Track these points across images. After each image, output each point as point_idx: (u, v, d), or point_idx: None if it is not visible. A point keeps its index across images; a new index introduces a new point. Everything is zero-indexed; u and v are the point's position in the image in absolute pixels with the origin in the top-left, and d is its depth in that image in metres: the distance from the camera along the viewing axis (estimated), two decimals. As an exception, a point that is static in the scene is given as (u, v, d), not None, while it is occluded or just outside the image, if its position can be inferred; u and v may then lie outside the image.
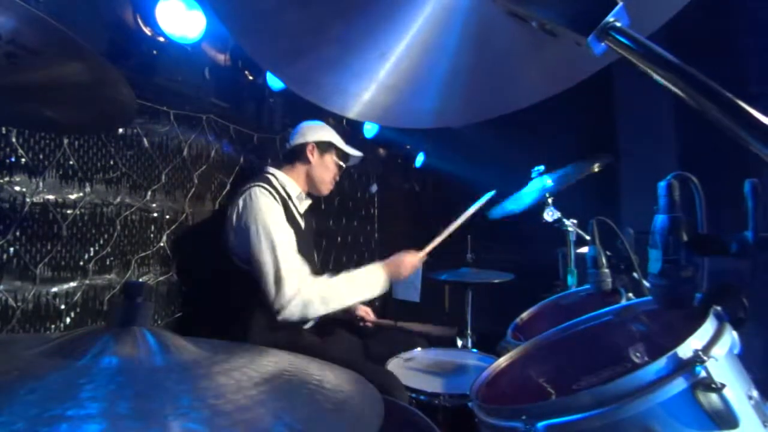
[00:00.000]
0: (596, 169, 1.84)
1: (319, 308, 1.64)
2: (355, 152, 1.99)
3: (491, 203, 2.04)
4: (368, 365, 1.59)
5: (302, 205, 1.93)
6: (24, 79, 0.77)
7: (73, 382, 0.42)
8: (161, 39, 1.65)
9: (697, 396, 0.60)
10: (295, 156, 1.91)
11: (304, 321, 1.71)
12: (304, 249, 1.89)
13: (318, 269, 2.02)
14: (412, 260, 1.85)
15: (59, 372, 0.44)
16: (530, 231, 2.03)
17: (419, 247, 1.94)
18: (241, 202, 1.70)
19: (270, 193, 1.72)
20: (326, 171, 1.93)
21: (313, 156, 1.89)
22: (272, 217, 1.67)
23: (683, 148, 2.26)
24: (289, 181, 1.88)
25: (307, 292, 1.62)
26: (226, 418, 0.41)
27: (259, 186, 1.72)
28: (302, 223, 1.91)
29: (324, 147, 1.91)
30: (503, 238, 2.58)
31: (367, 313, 2.02)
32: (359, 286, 1.74)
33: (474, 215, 2.00)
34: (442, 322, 2.63)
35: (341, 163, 1.97)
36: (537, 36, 0.40)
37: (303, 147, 1.89)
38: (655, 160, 2.32)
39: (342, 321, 2.01)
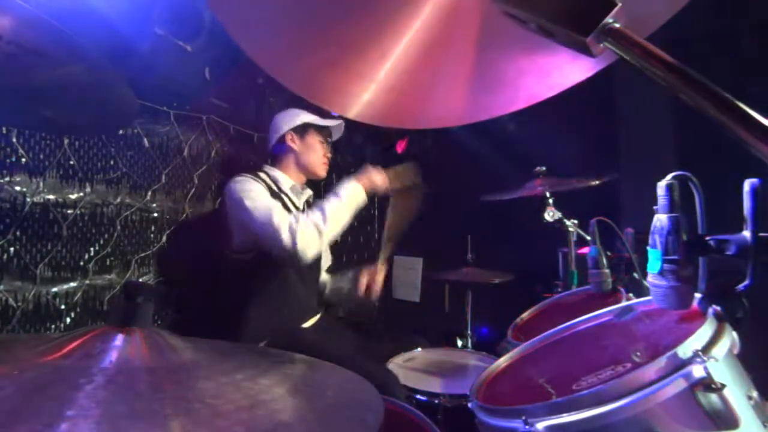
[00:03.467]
0: (596, 182, 1.85)
1: (323, 233, 1.60)
2: (332, 122, 1.93)
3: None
4: (368, 364, 1.59)
5: (300, 198, 1.92)
6: (24, 80, 0.78)
7: (73, 382, 0.42)
8: (161, 39, 1.66)
9: (696, 396, 0.60)
10: (279, 151, 1.90)
11: (315, 313, 1.66)
12: None
13: (319, 260, 2.01)
14: (373, 172, 1.81)
15: (59, 372, 0.44)
16: (530, 231, 2.03)
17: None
18: (225, 195, 1.72)
19: (251, 178, 1.72)
20: (313, 153, 1.90)
21: (295, 143, 1.88)
22: (251, 192, 1.65)
23: (683, 148, 2.26)
24: (280, 174, 1.88)
25: (305, 224, 1.59)
26: (226, 418, 0.41)
27: (239, 175, 1.72)
28: None
29: (302, 130, 1.89)
30: (503, 238, 2.58)
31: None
32: (347, 202, 1.70)
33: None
34: (441, 323, 2.64)
35: (325, 138, 1.93)
36: (536, 37, 0.40)
37: (282, 139, 1.88)
38: (655, 161, 2.32)
39: (342, 319, 2.01)
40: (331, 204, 1.66)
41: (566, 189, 1.85)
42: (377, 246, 3.25)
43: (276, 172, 1.88)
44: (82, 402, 0.39)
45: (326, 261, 2.11)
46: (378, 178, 1.80)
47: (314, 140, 1.90)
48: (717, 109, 0.32)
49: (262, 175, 1.82)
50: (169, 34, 1.67)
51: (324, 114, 1.92)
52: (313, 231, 1.59)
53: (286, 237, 1.56)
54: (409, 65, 0.57)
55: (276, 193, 1.80)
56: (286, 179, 1.88)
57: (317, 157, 1.91)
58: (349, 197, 1.71)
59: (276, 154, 1.92)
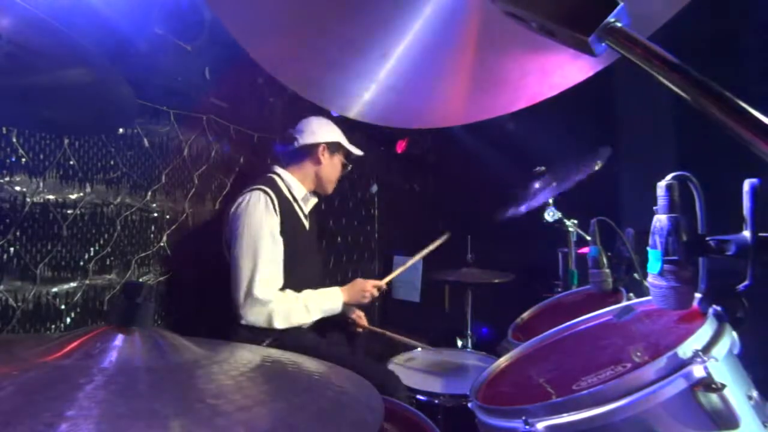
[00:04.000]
0: (598, 167, 1.84)
1: (282, 322, 1.65)
2: (358, 151, 1.98)
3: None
4: (369, 364, 1.59)
5: (308, 205, 1.93)
6: (25, 80, 0.77)
7: (73, 382, 0.42)
8: (161, 39, 1.65)
9: (697, 396, 0.60)
10: (304, 155, 1.89)
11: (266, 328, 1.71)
12: (309, 248, 1.89)
13: (321, 269, 2.02)
14: (366, 287, 1.87)
15: (59, 372, 0.44)
16: (530, 231, 2.03)
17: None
18: (240, 201, 1.71)
19: (270, 199, 1.71)
20: (334, 171, 1.93)
21: (324, 157, 1.88)
22: (264, 227, 1.67)
23: (683, 148, 2.26)
24: (296, 182, 1.88)
25: (274, 304, 1.64)
26: (226, 418, 0.41)
27: (260, 190, 1.71)
28: (307, 224, 1.90)
29: (334, 148, 1.91)
30: (503, 238, 2.58)
31: (360, 318, 2.02)
32: (320, 306, 1.76)
33: (430, 253, 2.14)
34: (441, 323, 2.64)
35: (347, 163, 1.97)
36: (537, 36, 0.40)
37: (314, 147, 1.87)
38: (655, 160, 2.32)
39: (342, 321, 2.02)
40: (308, 305, 1.72)
41: (567, 187, 1.85)
42: (376, 246, 3.25)
43: (290, 178, 1.87)
44: (82, 402, 0.39)
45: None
46: (367, 291, 1.85)
47: (339, 161, 1.93)
48: (718, 109, 0.32)
49: (277, 180, 1.82)
50: (169, 34, 1.67)
51: (351, 140, 1.97)
52: (263, 323, 1.64)
53: (242, 309, 1.62)
54: (410, 65, 0.57)
55: (289, 201, 1.81)
56: (299, 187, 1.89)
57: (335, 176, 1.94)
58: (327, 307, 1.78)
59: (295, 156, 1.90)
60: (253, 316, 1.62)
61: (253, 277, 1.62)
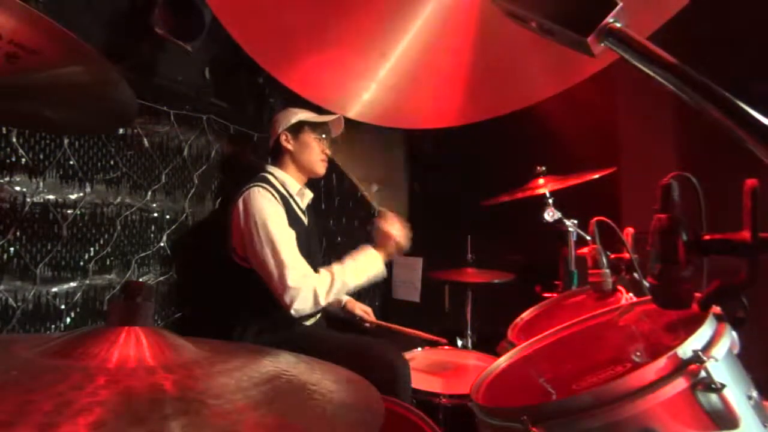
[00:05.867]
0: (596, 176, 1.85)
1: (328, 296, 1.66)
2: (329, 117, 1.90)
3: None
4: (372, 355, 1.58)
5: (304, 200, 1.93)
6: (24, 79, 0.77)
7: (73, 382, 0.42)
8: (161, 39, 1.65)
9: (696, 396, 0.60)
10: (279, 151, 1.90)
11: (316, 312, 1.72)
12: (310, 245, 1.89)
13: (322, 265, 2.02)
14: (392, 231, 1.86)
15: (59, 372, 0.44)
16: (530, 231, 2.03)
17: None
18: (240, 203, 1.70)
19: (270, 192, 1.72)
20: (309, 151, 1.89)
21: (290, 143, 1.88)
22: (272, 218, 1.67)
23: (683, 148, 2.26)
24: (287, 177, 1.88)
25: (313, 283, 1.64)
26: (226, 418, 0.41)
27: (258, 186, 1.72)
28: (305, 220, 1.90)
29: (295, 129, 1.88)
30: (503, 239, 2.58)
31: (368, 314, 2.02)
32: (360, 270, 1.76)
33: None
34: (441, 323, 2.63)
35: (321, 135, 1.90)
36: (537, 37, 0.40)
37: (279, 140, 1.88)
38: (655, 160, 2.32)
39: (343, 319, 2.02)
40: (344, 274, 1.71)
41: (567, 188, 1.85)
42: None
43: (282, 174, 1.88)
44: (82, 402, 0.39)
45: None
46: (398, 234, 1.84)
47: (309, 138, 1.88)
48: (717, 109, 0.32)
49: (270, 178, 1.82)
50: (169, 34, 1.67)
51: (322, 110, 1.90)
52: (312, 303, 1.64)
53: (287, 298, 1.62)
54: (410, 65, 0.57)
55: (285, 197, 1.80)
56: (292, 182, 1.89)
57: (314, 155, 1.89)
58: (365, 269, 1.76)
59: (276, 154, 1.92)
60: (298, 304, 1.62)
61: (281, 270, 1.62)
